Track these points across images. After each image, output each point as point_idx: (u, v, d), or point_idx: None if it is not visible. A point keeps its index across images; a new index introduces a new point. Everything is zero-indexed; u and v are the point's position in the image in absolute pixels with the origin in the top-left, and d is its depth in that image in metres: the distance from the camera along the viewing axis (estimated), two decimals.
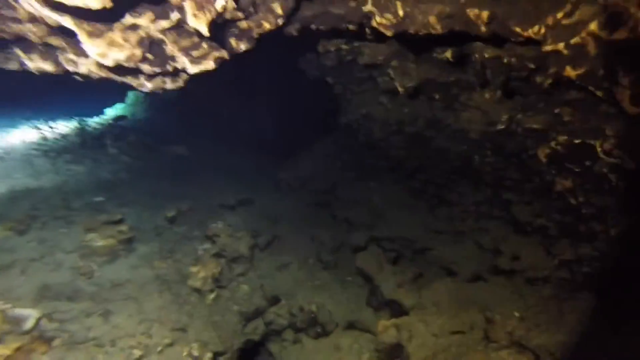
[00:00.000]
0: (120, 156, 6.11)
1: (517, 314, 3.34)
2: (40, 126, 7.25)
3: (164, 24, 2.84)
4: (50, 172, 5.29)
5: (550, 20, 2.72)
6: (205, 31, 2.67)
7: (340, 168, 6.43)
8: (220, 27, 3.03)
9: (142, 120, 8.20)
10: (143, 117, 8.38)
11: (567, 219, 3.89)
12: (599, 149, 3.05)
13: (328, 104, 6.73)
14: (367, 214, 5.73)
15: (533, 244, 4.32)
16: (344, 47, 5.64)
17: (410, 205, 6.02)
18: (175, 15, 2.83)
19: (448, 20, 3.36)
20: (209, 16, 2.64)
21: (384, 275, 4.52)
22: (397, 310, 4.14)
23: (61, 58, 3.52)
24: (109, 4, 2.47)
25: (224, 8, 2.80)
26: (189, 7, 2.64)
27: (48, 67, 3.61)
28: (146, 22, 2.82)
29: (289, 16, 3.47)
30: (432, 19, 3.42)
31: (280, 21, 3.25)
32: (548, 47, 2.69)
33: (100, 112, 9.24)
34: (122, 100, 9.64)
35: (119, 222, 4.41)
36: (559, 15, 2.65)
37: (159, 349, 3.22)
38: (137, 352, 3.12)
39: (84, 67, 3.43)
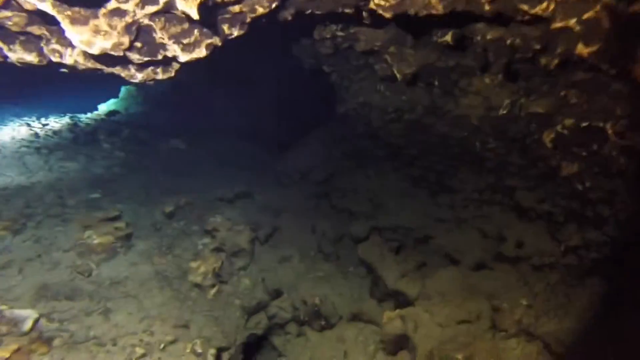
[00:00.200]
0: (114, 151, 5.98)
1: (524, 302, 3.28)
2: (31, 123, 7.09)
3: (152, 8, 2.70)
4: (43, 169, 5.17)
5: None
6: (195, 14, 2.54)
7: (339, 158, 6.33)
8: (211, 11, 2.90)
9: (136, 115, 8.04)
10: (137, 111, 8.22)
11: (573, 204, 3.83)
12: (609, 131, 2.96)
13: (325, 93, 6.61)
14: (368, 203, 5.65)
15: (538, 230, 4.25)
16: (340, 33, 5.50)
17: (411, 193, 5.95)
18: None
19: None
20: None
21: (387, 265, 4.45)
22: (401, 300, 4.09)
23: (45, 49, 3.37)
24: None
25: None
26: None
27: (31, 58, 3.45)
28: (132, 6, 2.67)
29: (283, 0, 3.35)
30: None
31: (274, 4, 3.12)
32: (558, 25, 2.58)
33: (93, 108, 9.07)
34: (115, 96, 9.47)
35: (116, 218, 4.31)
36: None
37: (162, 346, 3.15)
38: (139, 350, 3.05)
39: (70, 57, 3.28)
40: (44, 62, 3.45)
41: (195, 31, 2.85)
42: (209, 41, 2.87)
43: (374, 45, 5.44)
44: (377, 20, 4.34)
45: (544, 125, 4.03)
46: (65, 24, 2.67)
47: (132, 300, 3.53)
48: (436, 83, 5.52)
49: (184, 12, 2.70)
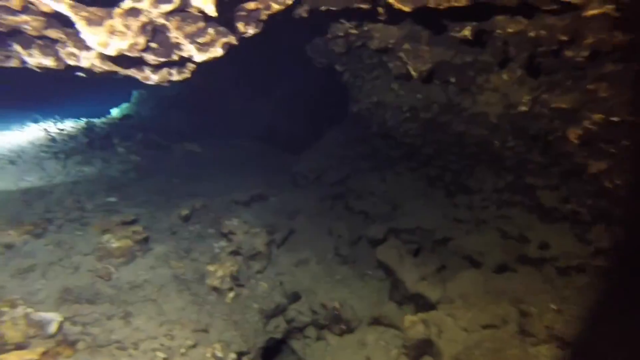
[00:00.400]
0: (129, 155, 6.00)
1: (553, 306, 3.16)
2: (48, 127, 7.18)
3: (167, 7, 2.66)
4: (61, 173, 5.21)
5: None
6: (212, 11, 2.49)
7: (353, 158, 6.25)
8: (226, 9, 2.85)
9: (149, 119, 8.08)
10: (150, 115, 8.26)
11: (601, 203, 3.69)
12: None
13: (338, 93, 6.54)
14: (384, 205, 5.57)
15: (563, 231, 4.12)
16: (353, 31, 5.43)
17: (428, 194, 5.84)
18: None
19: None
20: None
21: (406, 268, 4.36)
22: (422, 304, 3.99)
23: (62, 52, 3.36)
24: None
25: None
26: None
27: (49, 62, 3.45)
28: (147, 5, 2.63)
29: None
30: None
31: (289, 1, 3.06)
32: (591, 12, 2.45)
33: (106, 112, 9.15)
34: (127, 100, 9.54)
35: (133, 222, 4.30)
36: None
37: (182, 350, 3.12)
38: (160, 355, 3.03)
39: (86, 61, 3.26)
40: (62, 66, 3.45)
41: (211, 30, 2.80)
42: (224, 40, 2.82)
43: (388, 42, 5.36)
44: (393, 15, 4.26)
45: (568, 121, 3.89)
46: (81, 25, 2.65)
47: (151, 304, 3.51)
48: (452, 80, 5.41)
49: (199, 10, 2.65)
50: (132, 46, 2.59)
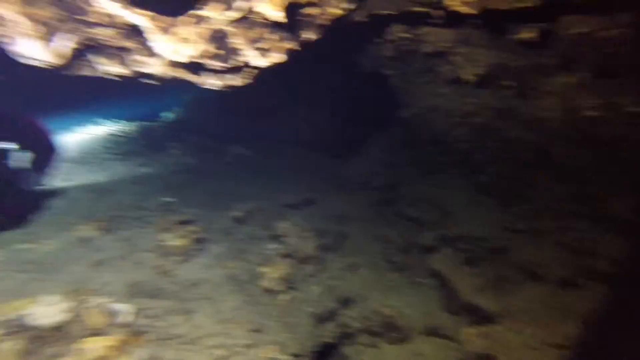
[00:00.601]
0: (182, 158, 6.25)
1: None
2: (107, 129, 7.62)
3: (234, 14, 2.75)
4: (121, 173, 5.50)
5: None
6: (281, 17, 2.54)
7: (401, 164, 6.16)
8: (292, 14, 2.90)
9: (200, 122, 8.38)
10: (201, 118, 8.56)
11: None
12: None
13: (385, 98, 6.47)
14: (435, 211, 5.42)
15: (637, 244, 3.82)
16: (405, 35, 5.37)
17: (481, 202, 5.63)
18: (244, 4, 2.72)
19: None
20: (285, 2, 2.49)
21: (461, 278, 4.22)
22: (479, 316, 3.83)
23: (129, 60, 3.55)
24: None
25: None
26: None
27: (117, 70, 3.65)
28: (215, 13, 2.74)
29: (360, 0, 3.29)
30: None
31: (352, 5, 3.07)
32: None
33: (158, 116, 9.59)
34: (177, 103, 9.93)
35: (190, 222, 4.45)
36: None
37: (239, 349, 3.17)
38: (220, 352, 3.10)
39: (153, 67, 3.42)
40: (129, 73, 3.65)
41: (276, 35, 2.86)
42: (288, 45, 2.88)
43: (442, 46, 5.26)
44: (450, 18, 4.17)
45: None
46: (154, 34, 2.79)
47: (208, 302, 3.60)
48: (509, 84, 5.22)
49: (266, 17, 2.71)
50: (201, 53, 2.69)
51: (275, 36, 2.94)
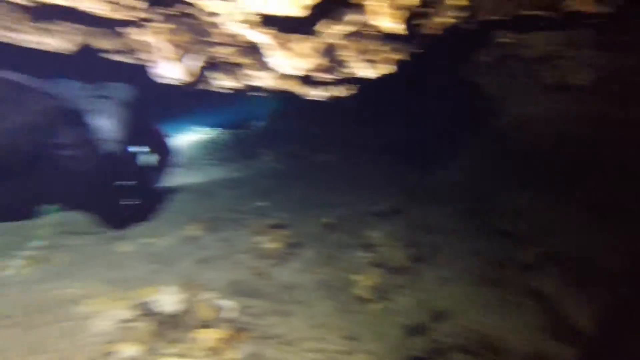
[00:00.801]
0: (272, 164, 6.57)
1: None
2: (204, 137, 8.29)
3: (348, 28, 2.82)
4: (219, 178, 5.95)
5: None
6: (401, 30, 2.54)
7: (495, 174, 5.83)
8: (408, 26, 2.90)
9: (289, 130, 8.72)
10: (287, 126, 8.91)
11: None
12: None
13: (478, 105, 6.19)
14: (532, 226, 5.04)
15: None
16: (505, 40, 5.10)
17: (583, 217, 5.12)
18: (358, 18, 2.78)
19: None
20: (406, 14, 2.49)
21: (568, 300, 3.86)
22: (592, 345, 3.47)
23: (240, 74, 3.82)
24: (306, 13, 2.44)
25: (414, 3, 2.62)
26: (383, 7, 2.52)
27: (230, 83, 3.95)
28: (330, 28, 2.83)
29: (471, 7, 3.18)
30: None
31: (464, 13, 2.99)
32: None
33: (246, 123, 10.15)
34: (265, 112, 10.41)
35: (282, 226, 4.66)
36: None
37: (336, 355, 3.22)
38: (316, 356, 3.17)
39: (264, 81, 3.66)
40: (240, 86, 3.93)
41: (387, 47, 2.89)
42: (398, 57, 2.89)
43: (546, 50, 4.91)
44: (559, 21, 3.88)
45: None
46: (271, 49, 2.96)
47: (303, 306, 3.72)
48: (618, 90, 4.71)
49: (380, 29, 2.72)
50: (317, 67, 2.81)
51: (386, 47, 2.96)
